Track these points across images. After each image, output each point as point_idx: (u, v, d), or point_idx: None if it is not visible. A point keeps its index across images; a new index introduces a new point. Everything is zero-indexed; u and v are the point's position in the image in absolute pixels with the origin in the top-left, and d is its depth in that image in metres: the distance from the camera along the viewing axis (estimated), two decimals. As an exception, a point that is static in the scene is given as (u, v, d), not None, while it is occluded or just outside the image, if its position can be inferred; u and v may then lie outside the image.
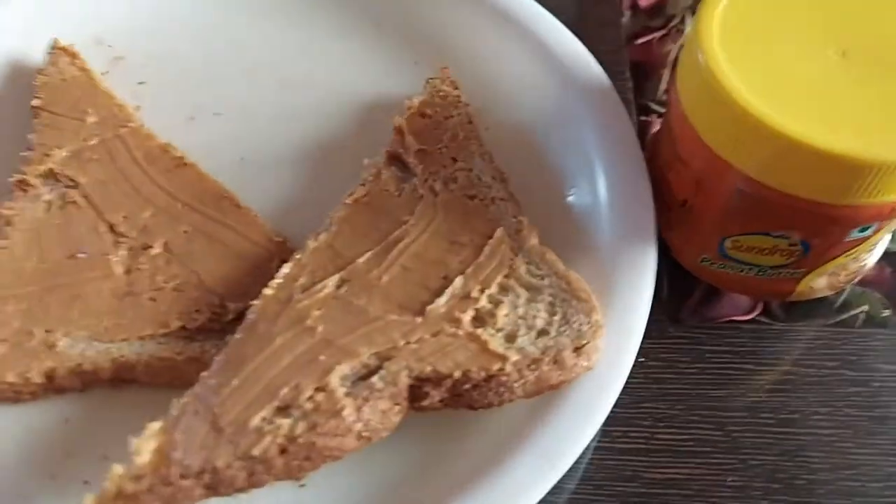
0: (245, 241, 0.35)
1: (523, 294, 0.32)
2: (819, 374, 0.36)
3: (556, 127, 0.39)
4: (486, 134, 0.39)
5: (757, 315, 0.37)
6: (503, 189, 0.36)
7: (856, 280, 0.37)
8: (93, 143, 0.37)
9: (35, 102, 0.38)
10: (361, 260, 0.33)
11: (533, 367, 0.30)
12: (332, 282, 0.32)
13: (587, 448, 0.33)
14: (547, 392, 0.31)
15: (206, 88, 0.42)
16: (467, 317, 0.31)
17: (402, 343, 0.30)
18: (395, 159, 0.37)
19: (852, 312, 0.38)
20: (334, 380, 0.29)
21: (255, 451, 0.27)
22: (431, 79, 0.40)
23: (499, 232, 0.34)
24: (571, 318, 0.31)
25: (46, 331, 0.32)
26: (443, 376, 0.30)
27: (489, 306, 0.32)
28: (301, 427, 0.28)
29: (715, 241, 0.34)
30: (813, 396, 0.35)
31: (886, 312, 0.38)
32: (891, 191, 0.30)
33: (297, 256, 0.33)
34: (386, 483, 0.31)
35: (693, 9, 0.48)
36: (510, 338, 0.31)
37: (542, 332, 0.31)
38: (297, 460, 0.28)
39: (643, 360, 0.35)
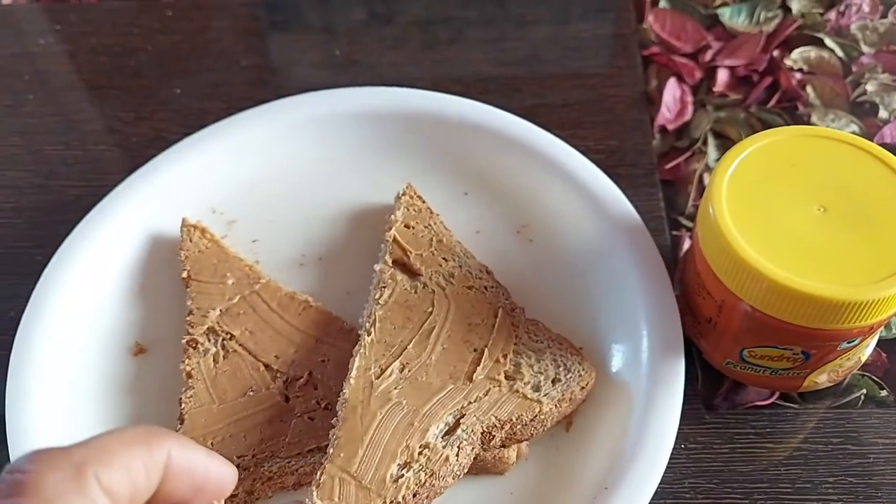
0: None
1: (532, 355, 0.43)
2: (826, 449, 0.44)
3: (598, 261, 0.48)
4: (539, 265, 0.49)
5: (775, 400, 0.46)
6: (491, 279, 0.47)
7: (853, 371, 0.45)
8: (236, 300, 0.46)
9: (184, 274, 0.47)
10: (410, 346, 0.43)
11: (558, 406, 0.42)
12: (395, 367, 0.42)
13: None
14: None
15: (307, 236, 0.51)
16: (502, 377, 0.42)
17: (466, 403, 0.41)
18: (398, 263, 0.47)
19: (854, 395, 0.46)
20: (431, 438, 0.40)
21: (399, 498, 0.38)
22: (401, 195, 0.50)
23: (500, 313, 0.45)
24: (571, 367, 0.43)
25: (240, 456, 0.41)
26: (504, 422, 0.41)
27: (512, 367, 0.43)
28: (423, 475, 0.39)
29: (735, 350, 0.43)
30: (822, 468, 0.44)
31: (883, 393, 0.46)
32: (868, 318, 0.38)
33: (360, 351, 0.43)
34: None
35: (713, 130, 0.57)
36: (536, 388, 0.42)
37: (556, 380, 0.43)
38: (421, 499, 0.39)
39: (684, 444, 0.45)
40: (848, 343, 0.40)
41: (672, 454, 0.41)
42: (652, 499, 0.42)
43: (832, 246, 0.39)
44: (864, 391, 0.46)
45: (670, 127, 0.58)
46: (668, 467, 0.42)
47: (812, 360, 0.42)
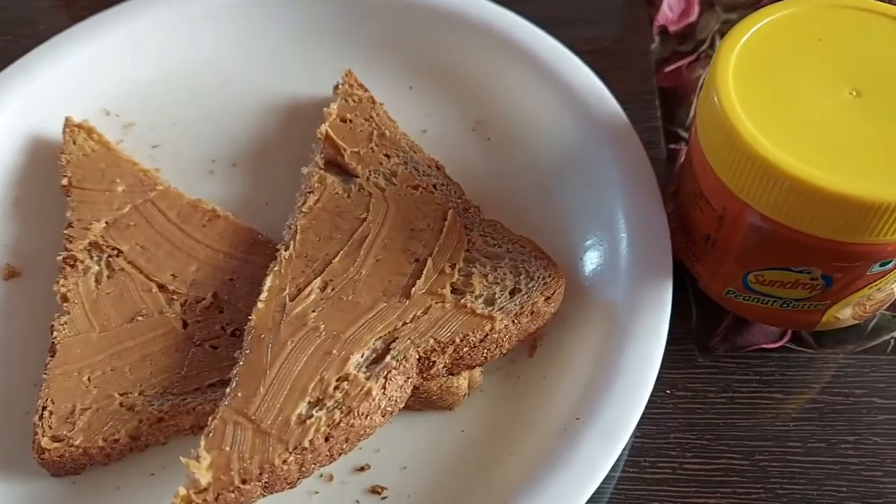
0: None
1: (487, 262, 0.36)
2: (847, 401, 0.36)
3: (573, 164, 0.41)
4: (500, 166, 0.41)
5: (786, 342, 0.38)
6: (442, 175, 0.39)
7: (883, 308, 0.37)
8: (126, 210, 0.39)
9: (64, 181, 0.40)
10: (336, 260, 0.35)
11: (516, 321, 0.34)
12: (316, 285, 0.35)
13: (614, 478, 0.34)
14: (526, 339, 0.36)
15: (218, 140, 0.44)
16: (447, 291, 0.35)
17: (400, 324, 0.34)
18: (332, 164, 0.39)
19: (883, 338, 0.38)
20: (352, 368, 0.32)
21: (306, 443, 0.30)
22: (340, 85, 0.42)
23: (450, 214, 0.37)
24: (535, 273, 0.35)
25: (123, 393, 0.34)
26: (445, 345, 0.33)
27: (461, 278, 0.35)
28: (338, 414, 0.31)
29: (739, 274, 0.35)
30: (840, 424, 0.36)
31: (918, 338, 0.38)
32: (908, 228, 0.30)
33: (275, 269, 0.35)
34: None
35: (722, 32, 0.49)
36: (489, 301, 0.35)
37: (515, 290, 0.35)
38: (338, 444, 0.31)
39: (670, 391, 0.36)
40: (881, 266, 0.32)
41: (655, 402, 0.34)
42: (629, 454, 0.35)
43: (867, 137, 0.31)
44: (895, 335, 0.38)
45: (672, 28, 0.49)
46: (650, 417, 0.34)
47: (835, 288, 0.33)
